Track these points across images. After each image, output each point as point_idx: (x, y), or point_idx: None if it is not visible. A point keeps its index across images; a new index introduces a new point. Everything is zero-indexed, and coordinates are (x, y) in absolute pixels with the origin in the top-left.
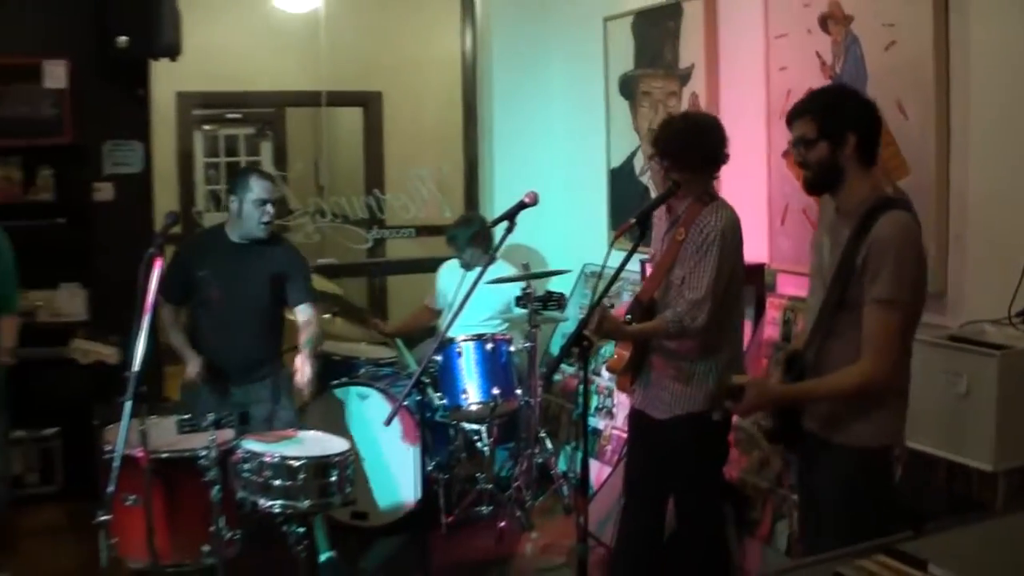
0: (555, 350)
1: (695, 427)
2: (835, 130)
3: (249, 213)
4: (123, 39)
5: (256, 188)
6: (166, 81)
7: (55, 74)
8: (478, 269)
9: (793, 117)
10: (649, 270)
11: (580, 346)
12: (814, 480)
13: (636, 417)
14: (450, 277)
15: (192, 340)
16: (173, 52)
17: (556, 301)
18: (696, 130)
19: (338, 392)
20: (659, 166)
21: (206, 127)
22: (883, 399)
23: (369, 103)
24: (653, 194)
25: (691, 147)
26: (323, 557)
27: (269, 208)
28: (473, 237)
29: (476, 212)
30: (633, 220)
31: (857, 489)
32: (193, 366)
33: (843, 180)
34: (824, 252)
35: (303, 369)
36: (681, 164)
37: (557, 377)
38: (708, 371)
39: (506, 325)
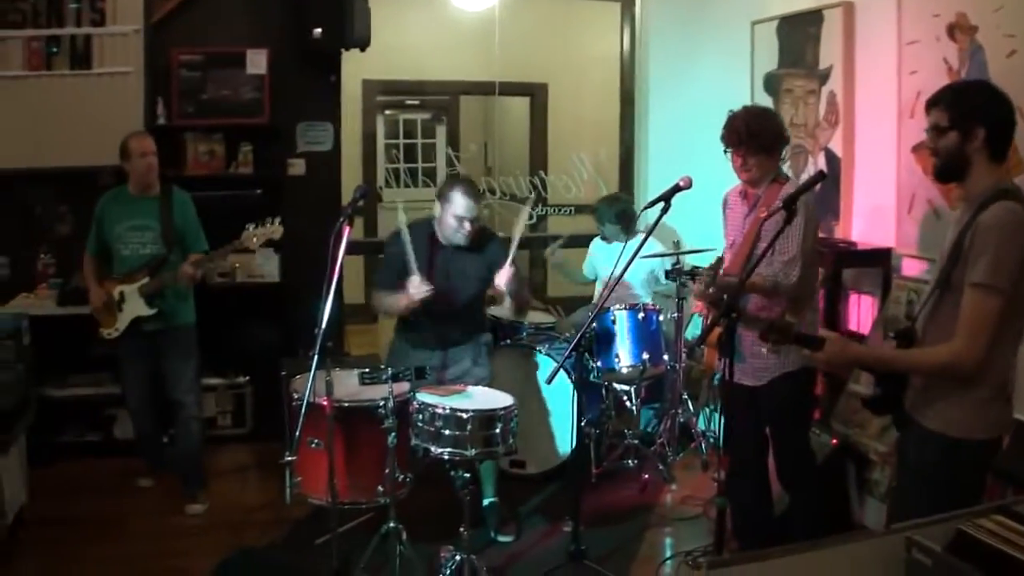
0: (698, 319)
1: (791, 386)
2: (965, 121)
3: (448, 224)
4: (318, 31)
5: (457, 205)
6: (354, 69)
7: (256, 62)
8: (623, 244)
9: (931, 105)
10: (727, 255)
11: (728, 318)
12: (907, 456)
13: (732, 391)
14: (601, 250)
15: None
16: (362, 44)
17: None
18: (761, 115)
19: (504, 352)
20: (736, 155)
21: (388, 111)
22: (976, 389)
23: (536, 93)
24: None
25: (762, 128)
26: (486, 502)
27: (467, 226)
28: (618, 215)
29: (623, 193)
30: (780, 204)
31: (930, 474)
32: (414, 287)
33: (969, 171)
34: (948, 241)
35: (505, 274)
36: (756, 144)
37: (701, 346)
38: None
39: (649, 296)
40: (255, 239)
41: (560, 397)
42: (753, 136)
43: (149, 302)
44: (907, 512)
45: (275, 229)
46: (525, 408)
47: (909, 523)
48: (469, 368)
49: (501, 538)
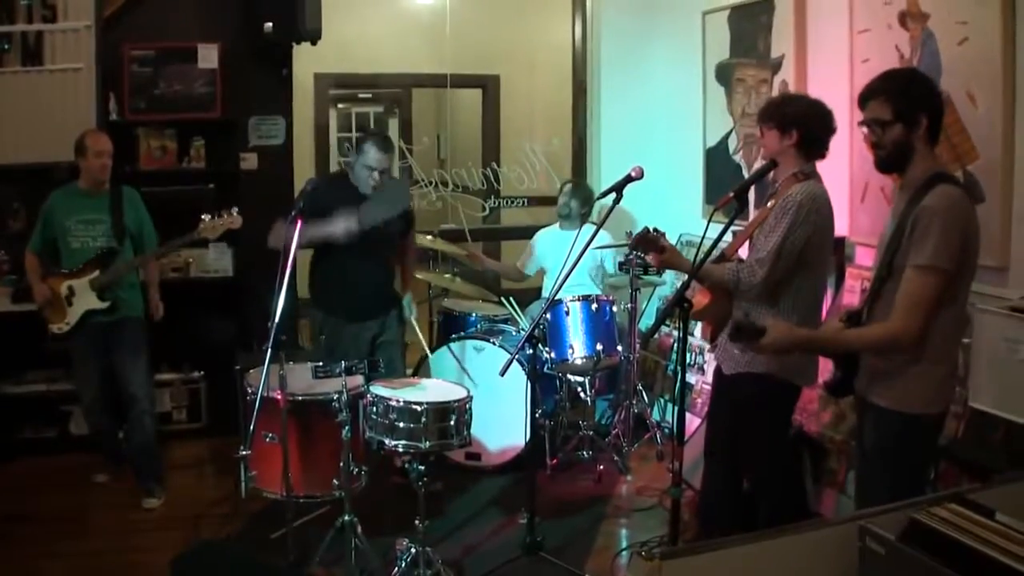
0: (652, 310)
1: (757, 386)
2: (909, 112)
3: (359, 174)
4: (269, 25)
5: (367, 155)
6: (306, 63)
7: (208, 56)
8: (575, 234)
9: (867, 98)
10: None
11: (680, 307)
12: (862, 435)
13: (716, 372)
14: (546, 243)
15: (327, 277)
16: (314, 37)
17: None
18: (790, 96)
19: (456, 345)
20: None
21: (340, 105)
22: (918, 366)
23: (488, 85)
24: (745, 172)
25: (779, 105)
26: None
27: (376, 175)
28: (586, 199)
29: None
30: (732, 194)
31: (890, 451)
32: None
33: (911, 159)
34: (887, 228)
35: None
36: (767, 116)
37: (655, 336)
38: None
39: (597, 287)
40: (214, 229)
41: (514, 389)
42: (765, 108)
43: (101, 295)
44: (869, 491)
45: (234, 219)
46: (477, 401)
47: (863, 511)
48: (395, 337)
49: None
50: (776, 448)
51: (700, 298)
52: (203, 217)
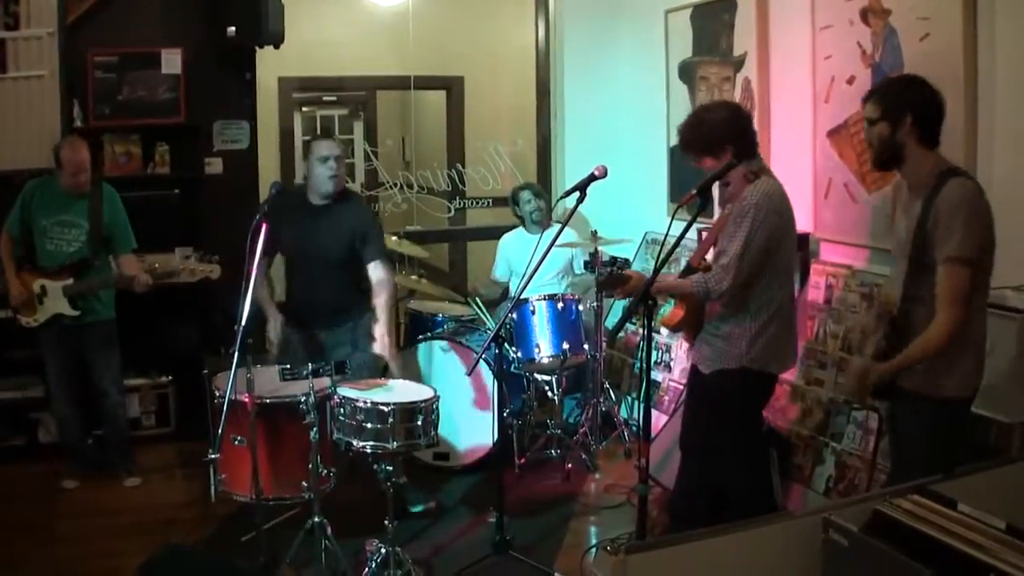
0: (618, 308)
1: (730, 383)
2: (894, 111)
3: (317, 172)
4: (232, 29)
5: (317, 147)
6: (270, 67)
7: (171, 61)
8: (540, 235)
9: (865, 100)
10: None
11: (645, 305)
12: (901, 428)
13: (691, 371)
14: (513, 246)
15: (287, 287)
16: (277, 41)
17: (620, 266)
18: (692, 123)
19: (423, 346)
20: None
21: (305, 108)
22: (962, 353)
23: (452, 86)
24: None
25: (693, 136)
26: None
27: (332, 163)
28: (542, 199)
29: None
30: (694, 191)
31: (938, 438)
32: (273, 326)
33: (904, 157)
34: (901, 229)
35: (382, 341)
36: (696, 151)
37: (620, 334)
38: (743, 333)
39: (566, 284)
40: (192, 273)
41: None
42: (688, 145)
43: (73, 303)
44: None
45: (213, 269)
46: (445, 401)
47: (826, 504)
48: (351, 353)
49: (414, 508)
50: (749, 441)
51: (676, 311)
52: (187, 257)
